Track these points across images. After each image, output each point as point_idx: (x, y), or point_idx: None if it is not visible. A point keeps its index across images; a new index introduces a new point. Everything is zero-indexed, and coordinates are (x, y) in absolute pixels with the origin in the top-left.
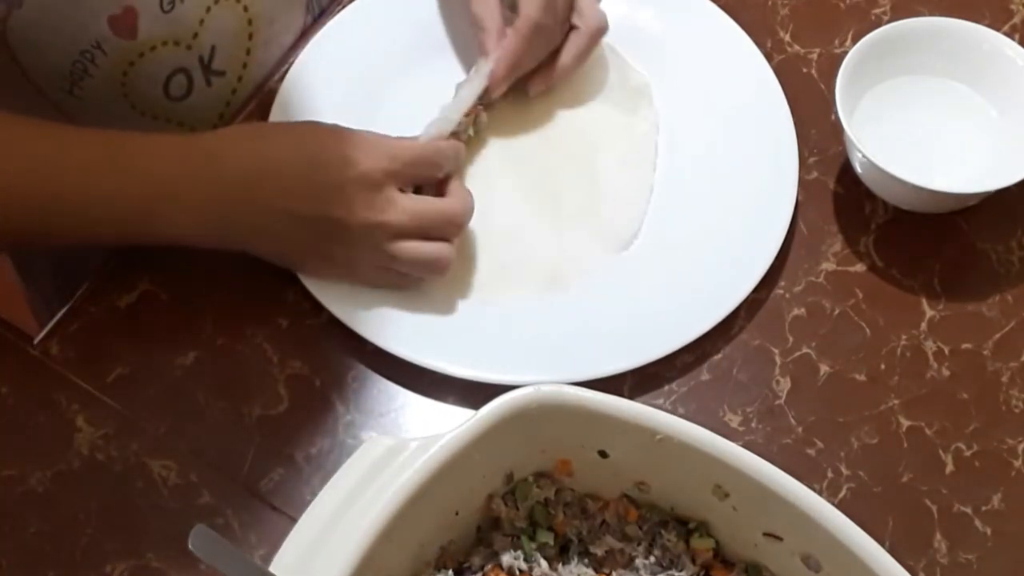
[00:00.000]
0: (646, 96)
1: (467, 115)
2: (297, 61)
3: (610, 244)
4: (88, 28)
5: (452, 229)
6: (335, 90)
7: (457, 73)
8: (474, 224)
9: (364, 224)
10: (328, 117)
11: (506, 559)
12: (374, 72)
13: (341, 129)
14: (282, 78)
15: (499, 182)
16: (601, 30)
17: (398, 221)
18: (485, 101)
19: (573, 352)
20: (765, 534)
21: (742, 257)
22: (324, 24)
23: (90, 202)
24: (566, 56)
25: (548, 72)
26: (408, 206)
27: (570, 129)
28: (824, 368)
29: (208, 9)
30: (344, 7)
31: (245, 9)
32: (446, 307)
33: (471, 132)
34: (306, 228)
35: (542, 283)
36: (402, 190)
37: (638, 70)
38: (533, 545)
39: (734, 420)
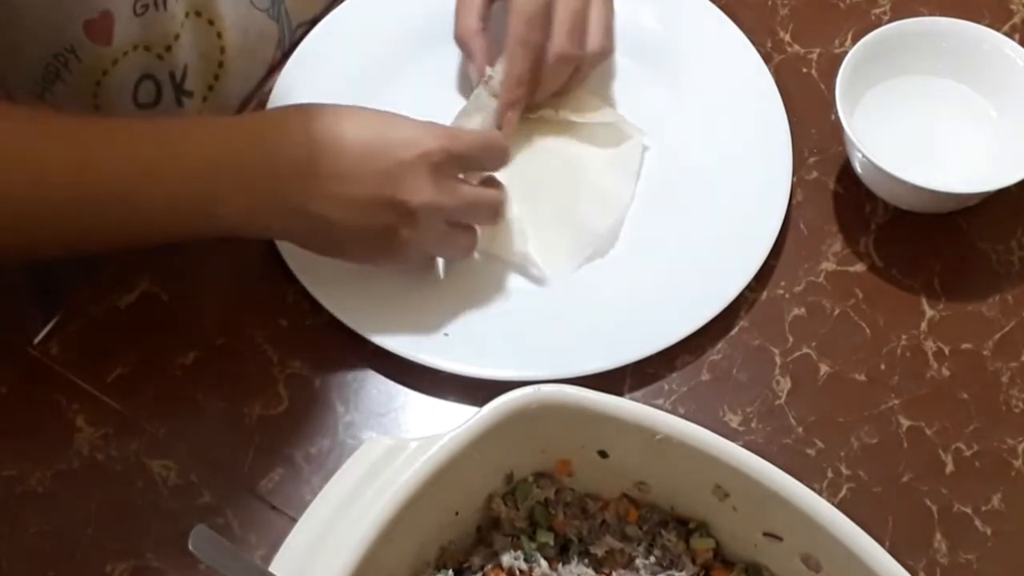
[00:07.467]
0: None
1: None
2: (283, 71)
3: (587, 247)
4: (63, 32)
5: (491, 216)
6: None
7: (436, 84)
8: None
9: (426, 205)
10: None
11: (506, 559)
12: (356, 85)
13: (391, 114)
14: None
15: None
16: (598, 56)
17: (453, 204)
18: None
19: (571, 348)
20: (765, 534)
21: (737, 254)
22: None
23: (144, 196)
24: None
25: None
26: (463, 192)
27: (554, 132)
28: (824, 368)
29: (182, 24)
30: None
31: (219, 35)
32: (444, 305)
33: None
34: (363, 212)
35: (523, 279)
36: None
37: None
38: (533, 545)
39: (734, 420)
